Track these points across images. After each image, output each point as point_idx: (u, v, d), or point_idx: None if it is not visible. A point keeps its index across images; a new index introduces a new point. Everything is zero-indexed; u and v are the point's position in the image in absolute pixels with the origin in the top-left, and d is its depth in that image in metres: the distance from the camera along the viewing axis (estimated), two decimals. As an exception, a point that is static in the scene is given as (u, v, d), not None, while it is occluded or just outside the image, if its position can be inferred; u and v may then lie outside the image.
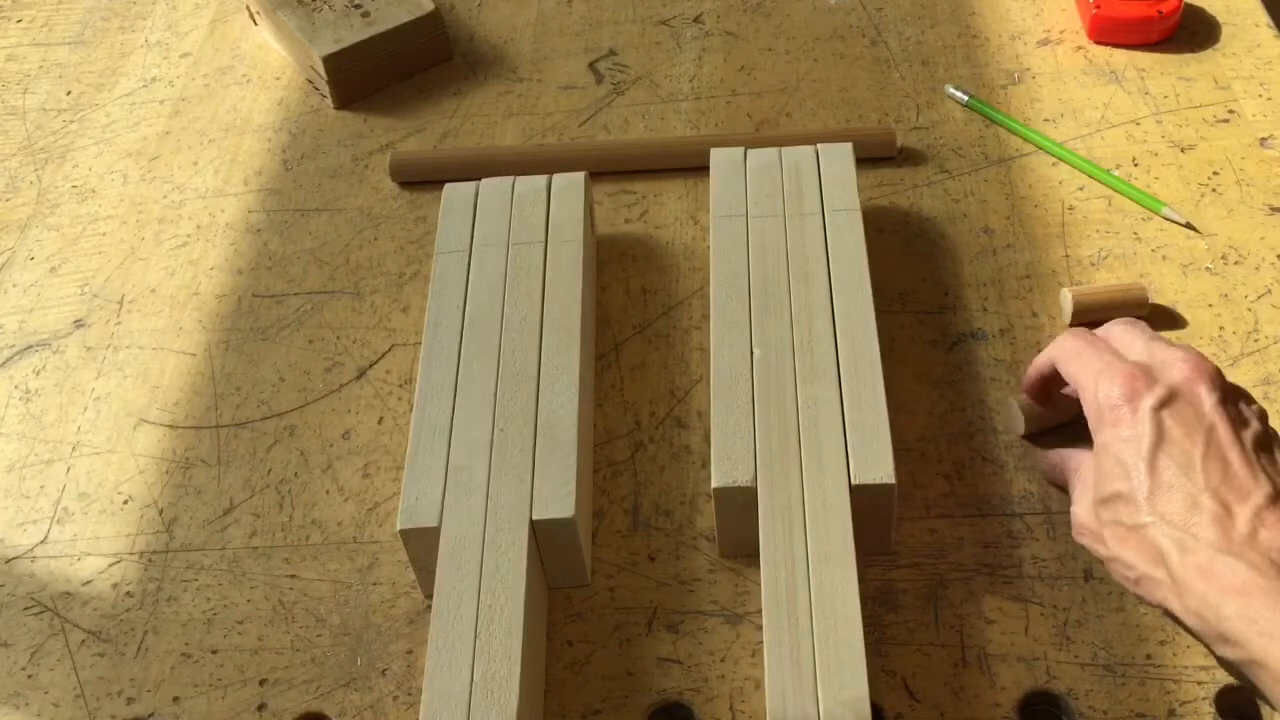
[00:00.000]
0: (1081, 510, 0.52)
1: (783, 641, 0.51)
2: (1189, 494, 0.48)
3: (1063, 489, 0.58)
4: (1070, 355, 0.54)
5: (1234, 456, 0.48)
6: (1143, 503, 0.48)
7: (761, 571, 0.53)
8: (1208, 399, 0.49)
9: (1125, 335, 0.54)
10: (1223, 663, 0.48)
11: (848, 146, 0.70)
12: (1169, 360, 0.51)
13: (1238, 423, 0.49)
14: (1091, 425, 0.52)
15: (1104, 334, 0.55)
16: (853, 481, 0.55)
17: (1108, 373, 0.51)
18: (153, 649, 0.59)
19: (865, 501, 0.56)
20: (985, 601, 0.57)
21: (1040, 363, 0.58)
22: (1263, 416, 0.50)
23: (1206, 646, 0.47)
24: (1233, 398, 0.50)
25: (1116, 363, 0.52)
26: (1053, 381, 0.59)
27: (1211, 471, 0.48)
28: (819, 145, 0.70)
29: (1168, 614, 0.49)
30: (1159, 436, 0.49)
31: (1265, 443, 0.49)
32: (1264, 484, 0.47)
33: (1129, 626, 0.55)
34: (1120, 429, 0.50)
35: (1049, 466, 0.60)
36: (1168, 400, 0.49)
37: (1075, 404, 0.58)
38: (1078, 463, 0.55)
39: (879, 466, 0.56)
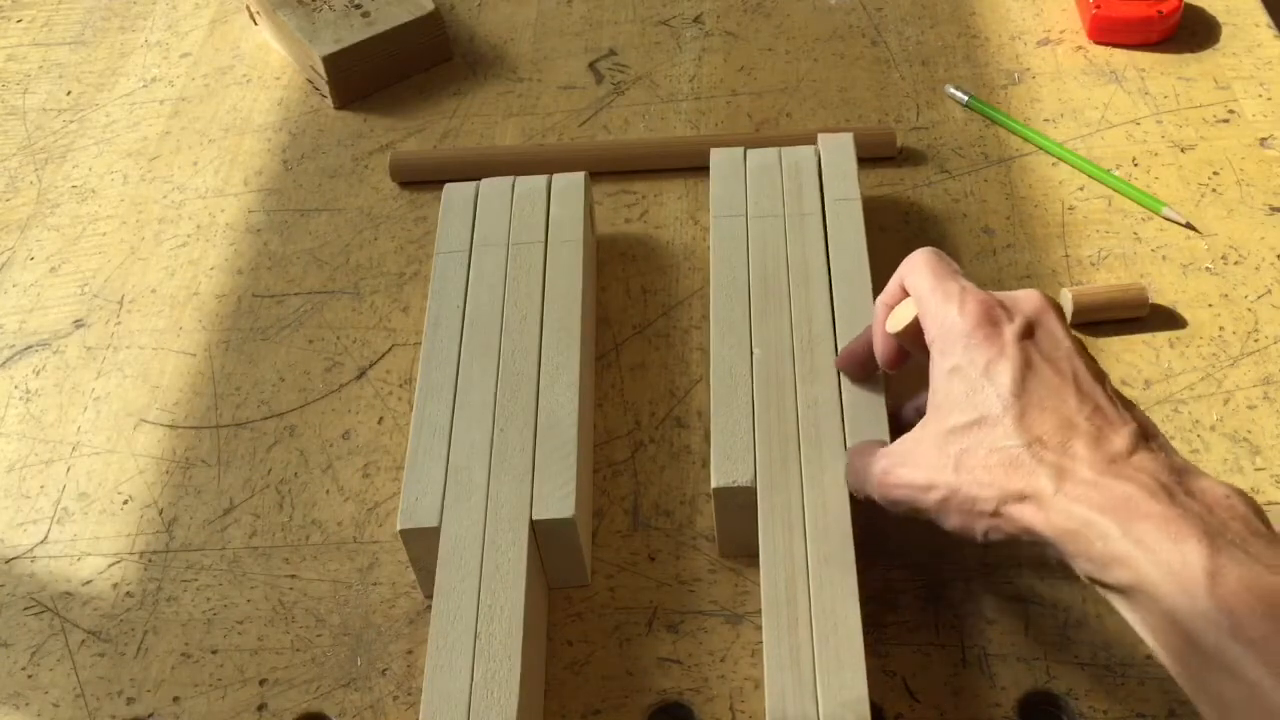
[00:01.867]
0: (914, 446, 0.50)
1: (782, 642, 0.51)
2: (1064, 416, 0.46)
3: (863, 496, 0.55)
4: (922, 269, 0.52)
5: (1099, 393, 0.47)
6: (1012, 424, 0.46)
7: (761, 572, 0.53)
8: (1060, 333, 0.49)
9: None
10: (1091, 582, 0.45)
11: (848, 136, 0.70)
12: (1017, 294, 0.50)
13: (1090, 362, 0.49)
14: (939, 348, 0.50)
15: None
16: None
17: (968, 297, 0.49)
18: (153, 649, 0.59)
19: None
20: (985, 601, 0.57)
21: (890, 288, 0.54)
22: (1098, 368, 0.49)
23: (1068, 567, 0.46)
24: (1078, 338, 0.49)
25: (974, 288, 0.50)
26: (897, 345, 0.55)
27: (1084, 401, 0.47)
28: (820, 135, 0.70)
29: (1024, 539, 0.46)
30: (1026, 363, 0.47)
31: (1111, 384, 0.48)
32: (1130, 420, 0.46)
33: (1129, 627, 0.55)
34: (979, 353, 0.48)
35: (855, 469, 0.55)
36: (1028, 331, 0.48)
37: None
38: (860, 449, 0.53)
39: None
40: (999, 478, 0.47)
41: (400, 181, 0.79)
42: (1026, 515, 0.46)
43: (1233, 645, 0.39)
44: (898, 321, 0.53)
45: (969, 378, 0.48)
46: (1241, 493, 0.44)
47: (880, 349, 0.56)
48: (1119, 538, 0.43)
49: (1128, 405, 0.48)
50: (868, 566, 0.58)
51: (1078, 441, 0.46)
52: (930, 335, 0.50)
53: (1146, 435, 0.46)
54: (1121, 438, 0.46)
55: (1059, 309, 0.50)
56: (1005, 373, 0.47)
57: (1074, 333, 0.50)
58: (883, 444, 0.53)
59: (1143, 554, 0.42)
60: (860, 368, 0.58)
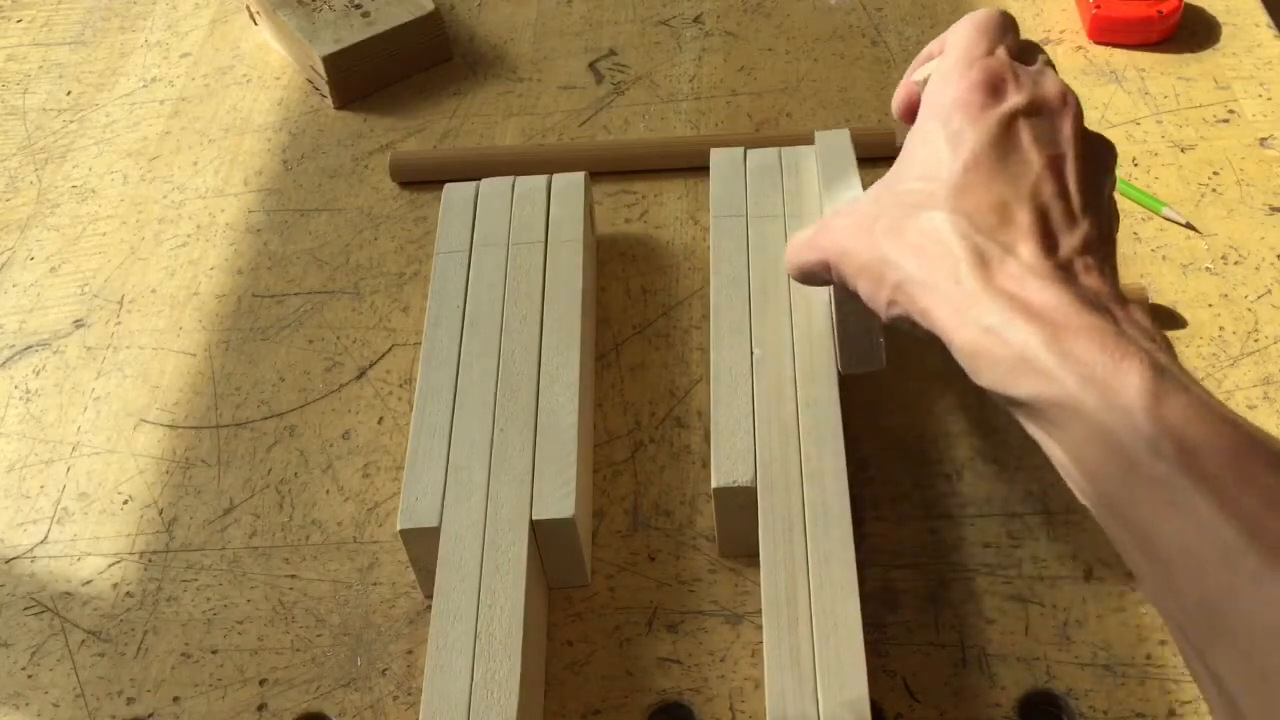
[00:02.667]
0: (850, 208, 0.45)
1: (782, 642, 0.51)
2: (1004, 199, 0.41)
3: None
4: (969, 26, 0.47)
5: (1072, 183, 0.43)
6: (944, 195, 0.42)
7: (761, 572, 0.53)
8: (1068, 127, 0.44)
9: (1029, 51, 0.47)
10: (992, 394, 0.41)
11: (845, 133, 0.70)
12: (1048, 77, 0.45)
13: (1087, 159, 0.44)
14: (928, 102, 0.45)
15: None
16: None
17: (984, 60, 0.45)
18: (153, 649, 0.59)
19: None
20: (985, 601, 0.57)
21: (933, 45, 0.50)
22: (1113, 185, 0.45)
23: (965, 365, 0.41)
24: (1096, 137, 0.45)
25: (1002, 57, 0.45)
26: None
27: (1043, 187, 0.42)
28: (817, 133, 0.70)
29: (914, 325, 0.42)
30: (1002, 139, 0.43)
31: (1106, 197, 0.44)
32: (1089, 223, 0.42)
33: (1129, 626, 0.55)
34: (958, 115, 0.43)
35: (797, 243, 0.49)
36: (1029, 111, 0.44)
37: None
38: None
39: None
40: (913, 247, 0.42)
41: (400, 181, 0.79)
42: (927, 300, 0.41)
43: (1179, 476, 0.35)
44: (924, 72, 0.49)
45: (934, 140, 0.44)
46: (1158, 323, 0.40)
47: (898, 93, 0.51)
48: (1040, 346, 0.38)
49: (1096, 212, 0.43)
50: (868, 566, 0.58)
51: (1015, 233, 0.41)
52: (926, 94, 0.46)
53: (1095, 246, 0.42)
54: (1071, 239, 0.41)
55: (1079, 110, 0.45)
56: (970, 141, 0.43)
57: (1098, 138, 0.45)
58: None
59: (1071, 368, 0.38)
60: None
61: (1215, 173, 0.73)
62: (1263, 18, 0.82)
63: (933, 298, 0.41)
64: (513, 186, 0.70)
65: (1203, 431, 0.35)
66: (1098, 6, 0.80)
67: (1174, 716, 0.53)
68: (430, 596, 0.56)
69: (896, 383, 0.65)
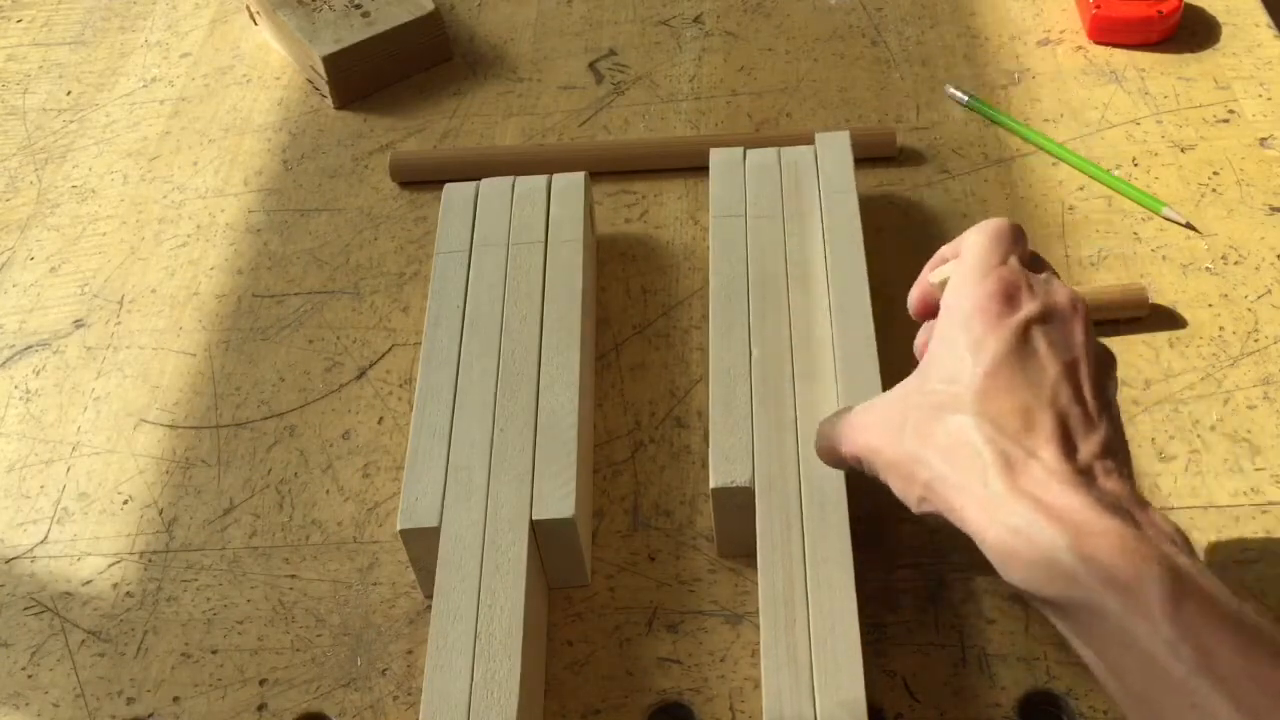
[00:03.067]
0: (881, 404, 0.48)
1: (780, 642, 0.51)
2: (1027, 404, 0.43)
3: (836, 462, 0.53)
4: (977, 235, 0.49)
5: (1087, 389, 0.45)
6: (969, 398, 0.44)
7: (759, 572, 0.53)
8: (1079, 334, 0.46)
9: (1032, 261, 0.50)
10: (1022, 593, 0.43)
11: (844, 134, 0.70)
12: (1056, 285, 0.48)
13: (1097, 366, 0.46)
14: (947, 309, 0.47)
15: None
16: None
17: (998, 271, 0.47)
18: (153, 649, 0.59)
19: (864, 475, 0.55)
20: (985, 601, 0.57)
21: (947, 248, 0.52)
22: (1115, 388, 0.47)
23: (996, 563, 0.43)
24: (1100, 345, 0.47)
25: (1015, 267, 0.47)
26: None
27: (1061, 392, 0.44)
28: (817, 134, 0.70)
29: (954, 522, 0.44)
30: (1019, 347, 0.45)
31: (1113, 400, 0.46)
32: (1105, 427, 0.44)
33: (1129, 626, 0.55)
34: (977, 322, 0.46)
35: (826, 434, 0.52)
36: (1043, 318, 0.46)
37: None
38: (839, 413, 0.51)
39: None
40: (941, 451, 0.44)
41: (400, 181, 0.79)
42: (957, 500, 0.43)
43: (1201, 681, 0.37)
44: (940, 275, 0.51)
45: (957, 346, 0.46)
46: (1177, 526, 0.42)
47: (915, 292, 0.53)
48: (1065, 551, 0.40)
49: (1110, 420, 0.45)
50: (868, 566, 0.58)
51: (1038, 438, 0.43)
52: (944, 300, 0.48)
53: (1113, 450, 0.44)
54: (1090, 444, 0.43)
55: (1087, 315, 0.47)
56: (991, 349, 0.45)
57: (1100, 345, 0.47)
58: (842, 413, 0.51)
59: (1094, 572, 0.40)
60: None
61: (1215, 173, 0.73)
62: (1263, 18, 0.82)
63: (963, 498, 0.43)
64: (513, 186, 0.70)
65: (1218, 634, 0.38)
66: (1098, 6, 0.80)
67: (1174, 716, 0.53)
68: (430, 596, 0.56)
69: (896, 382, 0.64)
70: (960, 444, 0.44)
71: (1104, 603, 0.39)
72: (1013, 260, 0.48)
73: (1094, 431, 0.44)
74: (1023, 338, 0.45)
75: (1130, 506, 0.42)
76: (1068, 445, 0.43)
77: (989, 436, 0.43)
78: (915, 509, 0.46)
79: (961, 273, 0.48)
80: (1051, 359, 0.45)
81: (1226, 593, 0.39)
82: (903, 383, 0.48)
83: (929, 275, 0.52)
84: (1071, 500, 0.41)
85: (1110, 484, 0.43)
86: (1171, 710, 0.38)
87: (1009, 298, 0.46)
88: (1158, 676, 0.38)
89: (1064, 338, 0.46)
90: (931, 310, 0.52)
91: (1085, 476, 0.42)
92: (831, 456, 0.52)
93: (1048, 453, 0.43)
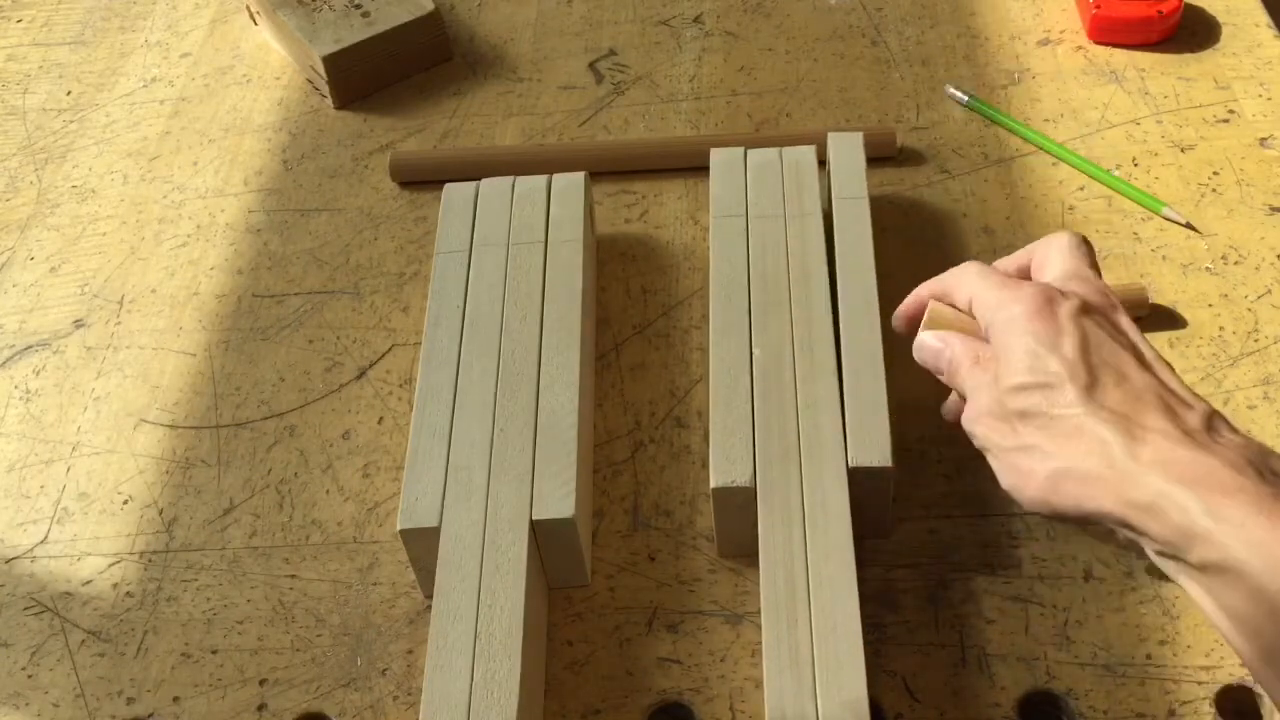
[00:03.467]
0: (985, 399, 0.48)
1: (782, 642, 0.51)
2: (1131, 388, 0.45)
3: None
4: (972, 272, 0.51)
5: (1166, 375, 0.46)
6: (1076, 393, 0.45)
7: (760, 571, 0.53)
8: (1123, 316, 0.48)
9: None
10: (1161, 558, 0.43)
11: (858, 136, 0.70)
12: (1078, 286, 0.49)
13: (1152, 347, 0.48)
14: (999, 329, 0.48)
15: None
16: (850, 464, 0.55)
17: (1023, 285, 0.49)
18: (153, 649, 0.59)
19: (863, 486, 0.56)
20: (985, 601, 0.57)
21: (930, 287, 0.54)
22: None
23: (1132, 541, 0.44)
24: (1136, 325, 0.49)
25: (1026, 284, 0.49)
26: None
27: (1150, 377, 0.45)
28: (830, 134, 0.70)
29: (1078, 518, 0.45)
30: (1086, 336, 0.46)
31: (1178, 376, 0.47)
32: (1201, 402, 0.45)
33: (1129, 626, 0.55)
34: (1039, 325, 0.47)
35: (929, 350, 0.52)
36: (1087, 309, 0.47)
37: None
38: (969, 349, 0.51)
39: (877, 450, 0.56)
40: (1058, 443, 0.45)
41: (400, 181, 0.79)
42: (1087, 492, 0.44)
43: None
44: (933, 321, 0.52)
45: (1030, 347, 0.47)
46: None
47: (907, 305, 0.55)
48: (1200, 512, 0.41)
49: (1192, 392, 0.46)
50: (868, 566, 0.58)
51: (1149, 413, 0.44)
52: (988, 322, 0.49)
53: (1220, 417, 0.45)
54: (1195, 415, 0.44)
55: (1118, 304, 0.49)
56: (1067, 343, 0.46)
57: (1135, 326, 0.49)
58: (985, 347, 0.51)
59: (1231, 530, 0.40)
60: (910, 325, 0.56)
61: (1215, 173, 0.73)
62: (1263, 18, 0.82)
63: (1093, 488, 0.44)
64: (513, 186, 0.70)
65: None
66: (1098, 6, 0.80)
67: (1174, 716, 0.53)
68: (430, 596, 0.56)
69: (896, 382, 0.64)
70: (1078, 431, 0.44)
71: (1243, 561, 0.40)
72: (1017, 278, 0.50)
73: (1195, 404, 0.45)
74: (1083, 328, 0.46)
75: (1261, 462, 0.42)
76: (1174, 416, 0.44)
77: (1106, 420, 0.44)
78: (1029, 506, 0.47)
79: (988, 298, 0.49)
80: (1117, 343, 0.46)
81: None
82: (992, 378, 0.49)
83: (924, 326, 0.53)
84: (1199, 461, 0.42)
85: (1233, 440, 0.43)
86: None
87: (1050, 298, 0.48)
88: None
89: (1110, 322, 0.48)
90: (915, 322, 0.54)
91: (1200, 436, 0.43)
92: (933, 369, 0.53)
93: (1160, 422, 0.44)
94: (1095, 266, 0.51)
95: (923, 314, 0.54)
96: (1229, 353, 0.65)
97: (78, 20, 0.94)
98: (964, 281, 0.51)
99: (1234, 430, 0.44)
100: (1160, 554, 0.43)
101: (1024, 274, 0.53)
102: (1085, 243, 0.52)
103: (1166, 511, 0.42)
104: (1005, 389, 0.47)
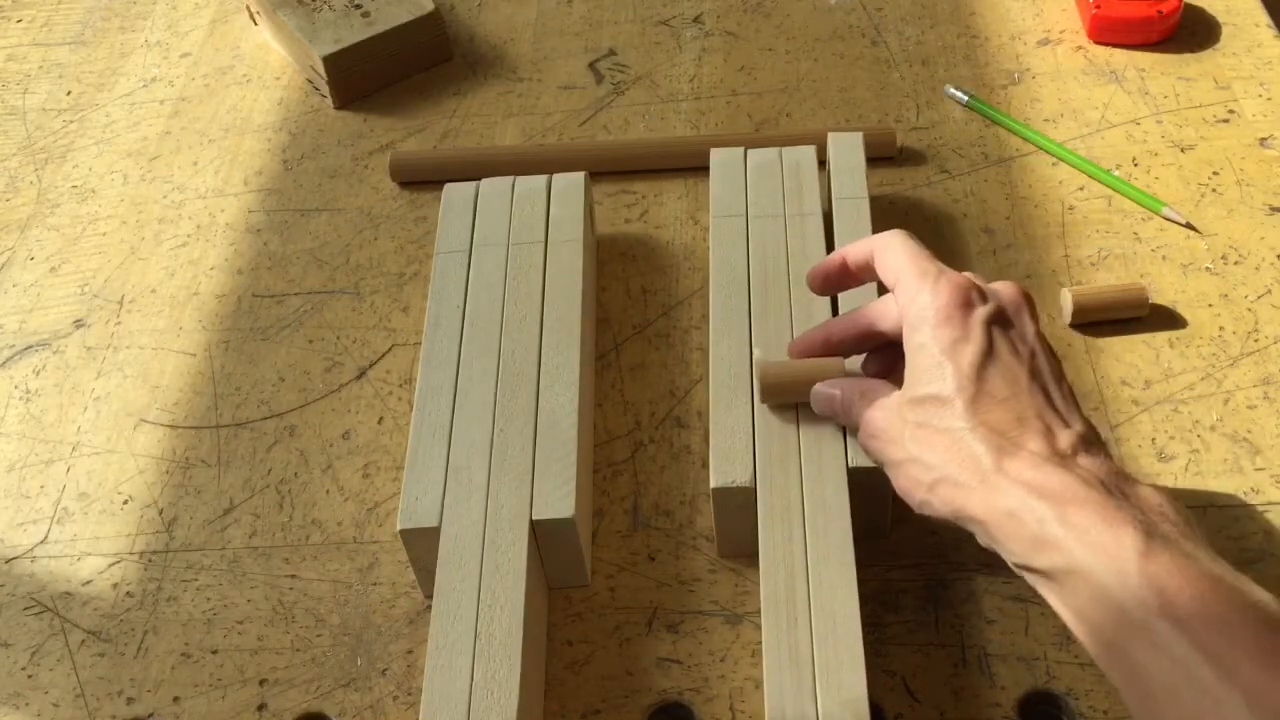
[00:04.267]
0: (883, 410, 0.52)
1: (782, 642, 0.51)
2: (1015, 409, 0.48)
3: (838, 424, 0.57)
4: (899, 250, 0.53)
5: (1054, 389, 0.49)
6: (963, 408, 0.48)
7: (760, 571, 0.53)
8: (1030, 326, 0.51)
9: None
10: (1019, 568, 0.47)
11: (858, 136, 0.70)
12: (996, 284, 0.52)
13: (1052, 357, 0.51)
14: (911, 323, 0.51)
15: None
16: (850, 464, 0.55)
17: (943, 277, 0.51)
18: (153, 649, 0.59)
19: (863, 486, 0.56)
20: (985, 601, 0.57)
21: (856, 251, 0.56)
22: (1059, 361, 0.52)
23: (998, 550, 0.48)
24: (1043, 335, 0.52)
25: (950, 270, 0.52)
26: (849, 277, 0.57)
27: (1036, 394, 0.49)
28: (830, 134, 0.70)
29: (953, 520, 0.49)
30: (988, 349, 0.49)
31: (1070, 388, 0.51)
32: (1079, 421, 0.49)
33: (1129, 626, 0.55)
34: (945, 331, 0.50)
35: (823, 398, 0.56)
36: (998, 318, 0.50)
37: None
38: (859, 386, 0.55)
39: None
40: (940, 455, 0.49)
41: (400, 181, 0.79)
42: (959, 497, 0.48)
43: (1160, 623, 0.41)
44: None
45: (932, 354, 0.50)
46: (1175, 500, 0.46)
47: (822, 267, 0.58)
48: (1053, 521, 0.45)
49: (1077, 408, 0.50)
50: (868, 566, 0.58)
51: (1025, 433, 0.48)
52: (903, 309, 0.52)
53: (1091, 440, 0.48)
54: (1068, 436, 0.48)
55: (1033, 304, 0.52)
56: (966, 355, 0.49)
57: (1041, 332, 0.52)
58: (880, 386, 0.54)
59: (1076, 536, 0.44)
60: (825, 284, 0.59)
61: (1215, 173, 0.73)
62: (1263, 18, 0.82)
63: (963, 494, 0.48)
64: (513, 186, 0.70)
65: (1182, 584, 0.41)
66: (1098, 6, 0.80)
67: (1174, 716, 0.53)
68: (430, 596, 0.56)
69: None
70: (957, 445, 0.48)
71: (1084, 563, 0.43)
72: (941, 265, 0.52)
73: (1072, 423, 0.49)
74: (987, 338, 0.49)
75: (1113, 482, 0.46)
76: (1050, 436, 0.48)
77: (983, 437, 0.48)
78: (917, 508, 0.51)
79: (908, 285, 0.52)
80: (1017, 359, 0.49)
81: (1209, 557, 0.43)
82: (896, 394, 0.52)
83: (839, 257, 0.57)
84: (1056, 479, 0.46)
85: (1091, 464, 0.47)
86: (1136, 650, 0.42)
87: (965, 300, 0.50)
88: (1126, 623, 0.42)
89: (1019, 332, 0.51)
90: (831, 282, 0.58)
91: (1068, 459, 0.47)
92: (830, 416, 0.56)
93: (1034, 444, 0.47)
94: (933, 257, 0.53)
95: (838, 275, 0.57)
96: (1229, 353, 0.65)
97: (78, 20, 0.94)
98: (890, 258, 0.53)
99: (1101, 453, 0.48)
100: (1017, 565, 0.47)
101: (862, 266, 0.56)
102: (913, 238, 0.54)
103: (1024, 520, 0.45)
104: (907, 399, 0.51)
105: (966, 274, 0.52)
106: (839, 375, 0.57)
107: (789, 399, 0.58)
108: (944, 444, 0.49)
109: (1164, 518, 0.45)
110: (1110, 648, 0.43)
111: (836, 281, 0.58)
